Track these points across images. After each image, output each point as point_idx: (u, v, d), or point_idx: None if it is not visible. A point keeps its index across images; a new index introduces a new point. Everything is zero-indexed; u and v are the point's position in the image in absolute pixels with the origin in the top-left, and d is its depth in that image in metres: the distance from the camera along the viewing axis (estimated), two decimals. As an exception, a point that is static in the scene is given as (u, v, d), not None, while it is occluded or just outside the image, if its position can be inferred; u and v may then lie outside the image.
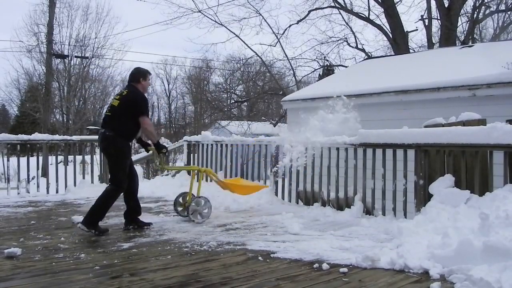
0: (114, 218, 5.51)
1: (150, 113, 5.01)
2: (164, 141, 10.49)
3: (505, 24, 18.82)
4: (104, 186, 8.00)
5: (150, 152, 6.20)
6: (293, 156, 6.49)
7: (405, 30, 17.55)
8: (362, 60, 16.14)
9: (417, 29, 20.53)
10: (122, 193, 4.96)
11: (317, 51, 20.60)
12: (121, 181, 4.82)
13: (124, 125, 4.82)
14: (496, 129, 4.50)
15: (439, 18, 17.10)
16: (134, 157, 11.19)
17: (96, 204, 4.71)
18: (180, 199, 5.79)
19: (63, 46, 25.20)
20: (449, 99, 7.41)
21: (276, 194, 6.97)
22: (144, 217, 5.56)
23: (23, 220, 5.40)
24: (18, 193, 7.41)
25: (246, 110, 31.26)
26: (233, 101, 28.63)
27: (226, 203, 6.53)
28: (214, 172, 7.03)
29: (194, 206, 5.38)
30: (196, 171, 5.88)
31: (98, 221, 4.67)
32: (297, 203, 6.56)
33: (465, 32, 17.78)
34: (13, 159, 8.04)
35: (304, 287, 3.11)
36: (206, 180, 7.36)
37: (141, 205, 6.49)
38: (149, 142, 5.33)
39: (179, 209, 5.74)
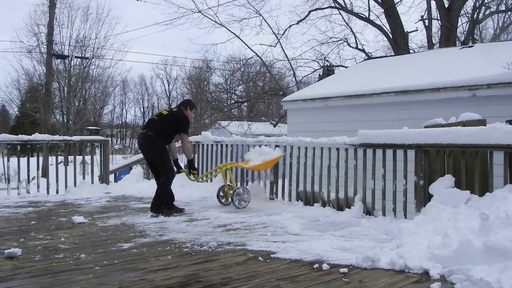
0: (115, 218, 5.51)
1: (180, 131, 6.25)
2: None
3: (505, 25, 18.83)
4: (104, 186, 8.10)
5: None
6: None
7: (405, 31, 17.51)
8: (362, 61, 16.14)
9: (417, 30, 20.44)
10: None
11: (317, 51, 20.57)
12: (170, 168, 5.97)
13: (165, 130, 5.93)
14: (496, 130, 4.50)
15: (439, 18, 17.08)
16: (134, 158, 11.21)
17: (157, 193, 5.83)
18: (221, 192, 6.71)
19: (63, 46, 25.23)
20: (449, 100, 7.41)
21: (276, 195, 6.97)
22: (144, 218, 5.59)
23: (23, 220, 5.39)
24: (18, 194, 7.40)
25: (246, 110, 31.26)
26: (233, 102, 28.65)
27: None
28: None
29: (239, 191, 6.39)
30: (225, 170, 6.81)
31: (161, 206, 5.78)
32: (297, 204, 6.55)
33: (465, 33, 17.77)
34: (13, 160, 8.03)
35: (305, 287, 3.11)
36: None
37: (141, 205, 6.57)
38: (181, 165, 6.62)
39: (222, 200, 6.66)
